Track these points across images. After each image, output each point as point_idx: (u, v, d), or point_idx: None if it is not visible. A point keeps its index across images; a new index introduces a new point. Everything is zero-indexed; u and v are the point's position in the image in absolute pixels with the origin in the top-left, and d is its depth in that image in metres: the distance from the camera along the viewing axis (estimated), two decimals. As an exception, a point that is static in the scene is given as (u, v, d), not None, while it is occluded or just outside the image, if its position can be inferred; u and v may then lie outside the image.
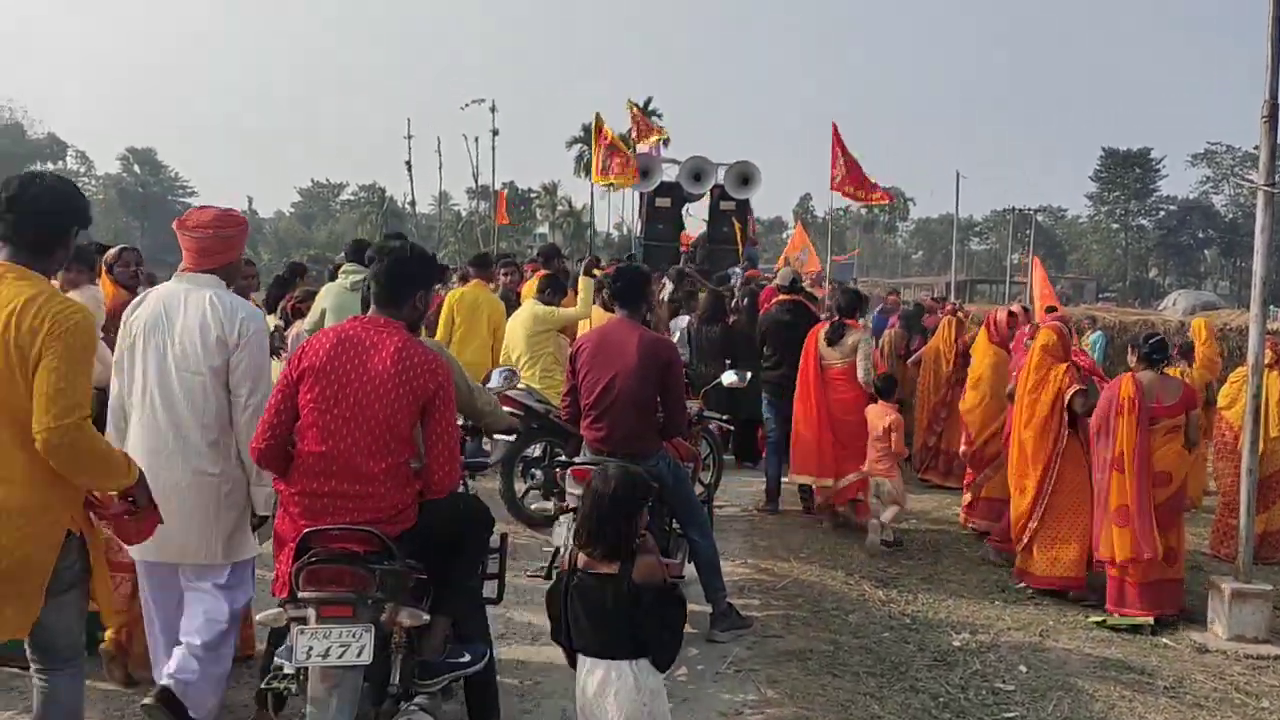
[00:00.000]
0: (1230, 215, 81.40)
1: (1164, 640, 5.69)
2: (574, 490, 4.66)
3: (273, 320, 7.37)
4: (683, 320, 10.45)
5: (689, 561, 5.26)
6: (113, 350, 3.84)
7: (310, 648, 3.05)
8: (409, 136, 46.50)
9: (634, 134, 18.13)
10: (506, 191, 41.62)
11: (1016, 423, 6.70)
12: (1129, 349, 6.42)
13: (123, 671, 4.19)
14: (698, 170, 16.90)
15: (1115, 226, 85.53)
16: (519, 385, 6.33)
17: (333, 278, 7.90)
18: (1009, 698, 4.71)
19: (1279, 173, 5.71)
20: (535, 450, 7.27)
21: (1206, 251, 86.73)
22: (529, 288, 8.88)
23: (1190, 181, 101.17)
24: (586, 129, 44.41)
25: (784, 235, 62.79)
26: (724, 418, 7.67)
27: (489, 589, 4.06)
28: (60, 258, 3.05)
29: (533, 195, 76.57)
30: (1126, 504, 5.86)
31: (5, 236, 2.92)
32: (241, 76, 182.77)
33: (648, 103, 56.80)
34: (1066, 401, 6.38)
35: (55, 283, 3.20)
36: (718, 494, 8.09)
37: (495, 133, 46.64)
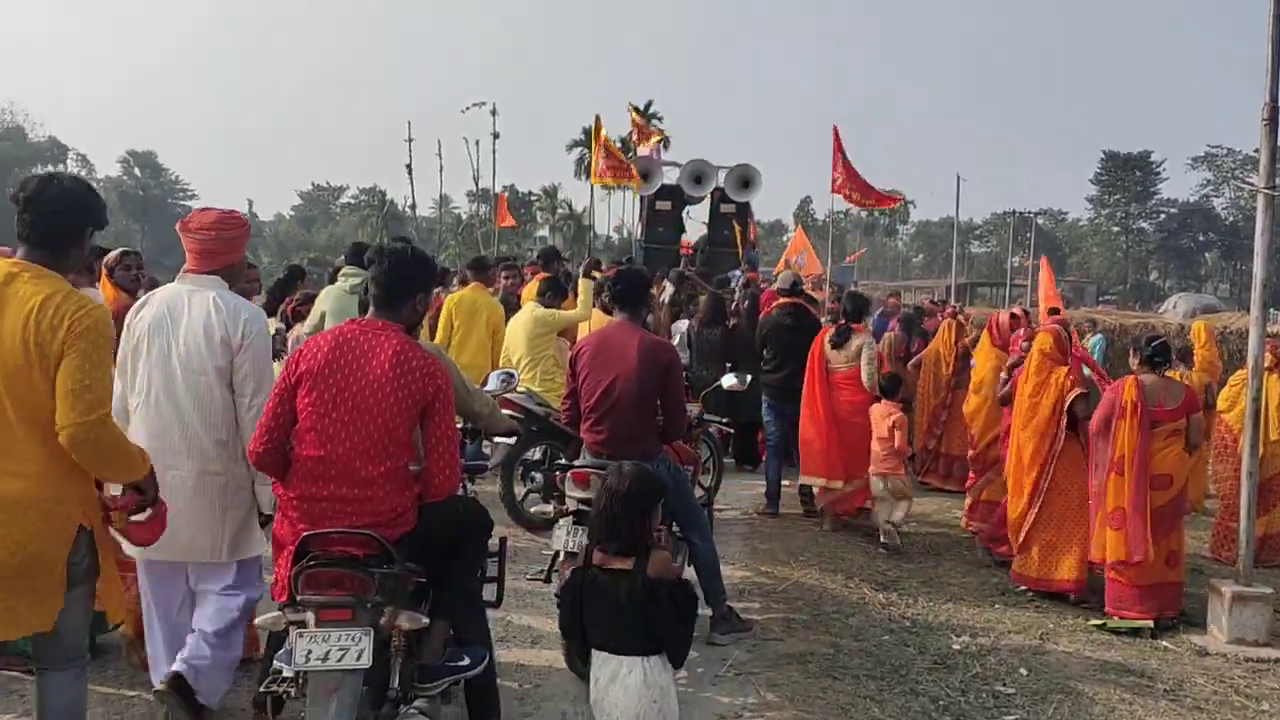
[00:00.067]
0: (1230, 218, 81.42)
1: (1164, 643, 5.69)
2: (574, 493, 4.66)
3: (273, 324, 7.36)
4: (683, 324, 10.45)
5: (689, 565, 5.25)
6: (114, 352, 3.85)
7: (309, 651, 3.05)
8: (409, 139, 46.50)
9: (634, 137, 18.15)
10: (507, 194, 41.57)
11: (1015, 425, 6.70)
12: (1131, 351, 6.42)
13: (142, 655, 4.23)
14: (698, 173, 16.91)
15: (1115, 229, 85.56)
16: (517, 388, 6.33)
17: (332, 281, 7.90)
18: (1009, 701, 4.71)
19: (1279, 176, 5.71)
20: (535, 453, 7.25)
21: (1207, 254, 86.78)
22: (529, 290, 8.88)
23: (1191, 184, 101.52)
24: (587, 132, 44.41)
25: (784, 238, 62.75)
26: (724, 421, 7.68)
27: (488, 592, 4.05)
28: (75, 257, 3.09)
29: (533, 198, 76.58)
30: (1123, 506, 5.86)
31: (22, 236, 2.98)
32: (242, 80, 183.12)
33: (648, 105, 56.87)
34: (1068, 405, 6.38)
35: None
36: (718, 497, 8.10)
37: (496, 136, 46.68)
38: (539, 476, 6.94)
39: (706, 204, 17.57)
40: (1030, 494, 6.46)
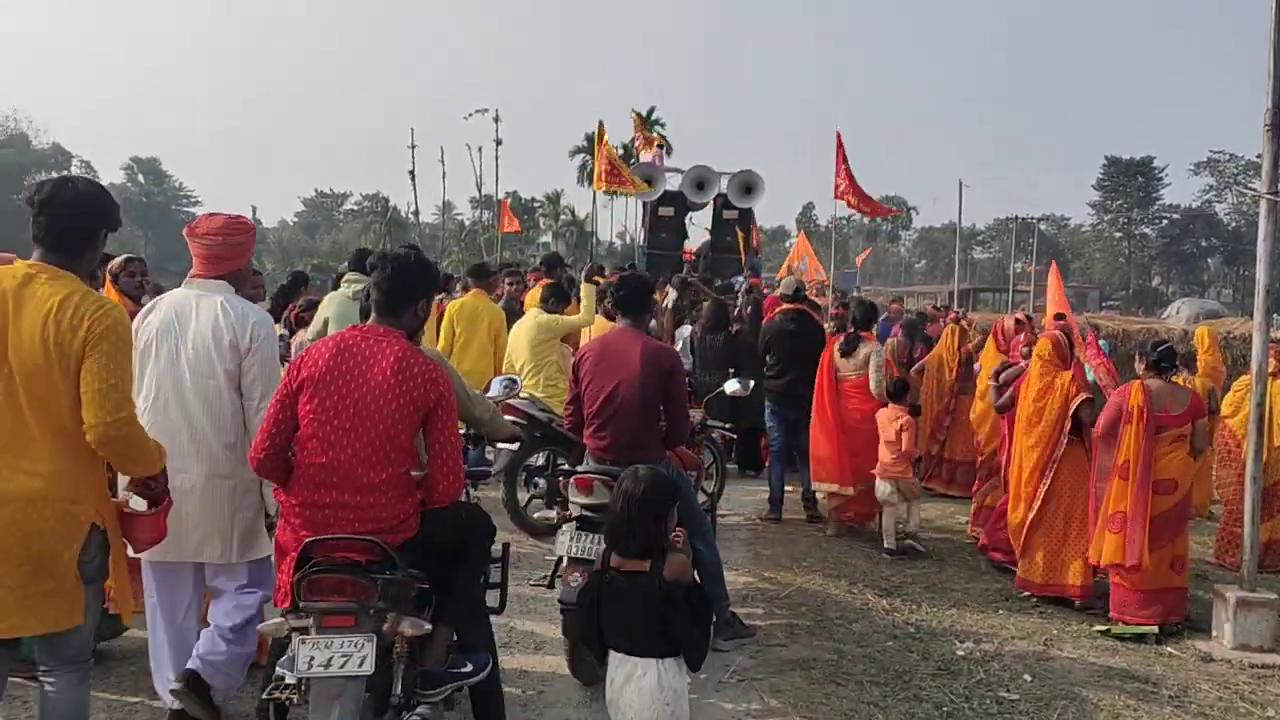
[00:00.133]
0: (1233, 224, 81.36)
1: (1169, 649, 5.67)
2: (577, 499, 4.66)
3: (277, 329, 7.37)
4: (686, 329, 10.46)
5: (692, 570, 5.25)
6: None
7: (312, 658, 3.05)
8: (412, 146, 46.54)
9: (637, 144, 18.18)
10: (510, 201, 41.67)
11: (1018, 431, 6.69)
12: (1137, 356, 6.41)
13: None
14: (701, 179, 16.90)
15: (1118, 235, 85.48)
16: (520, 394, 6.33)
17: (335, 287, 7.90)
18: (1013, 707, 4.70)
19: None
20: (538, 459, 7.26)
21: (1209, 260, 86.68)
22: (532, 296, 8.89)
23: (1193, 190, 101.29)
24: (590, 138, 44.44)
25: (787, 244, 62.85)
26: (727, 426, 7.68)
27: (491, 598, 4.05)
28: (90, 259, 3.17)
29: (536, 204, 76.67)
30: (1124, 511, 5.85)
31: (38, 238, 3.04)
32: (242, 80, 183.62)
33: (651, 111, 56.88)
34: (1073, 410, 6.37)
35: None
36: (721, 503, 8.10)
37: (499, 142, 46.75)
38: (542, 482, 6.95)
39: (709, 210, 17.57)
40: (1032, 499, 6.44)
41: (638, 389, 4.75)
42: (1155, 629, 5.81)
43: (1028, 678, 5.07)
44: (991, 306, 50.57)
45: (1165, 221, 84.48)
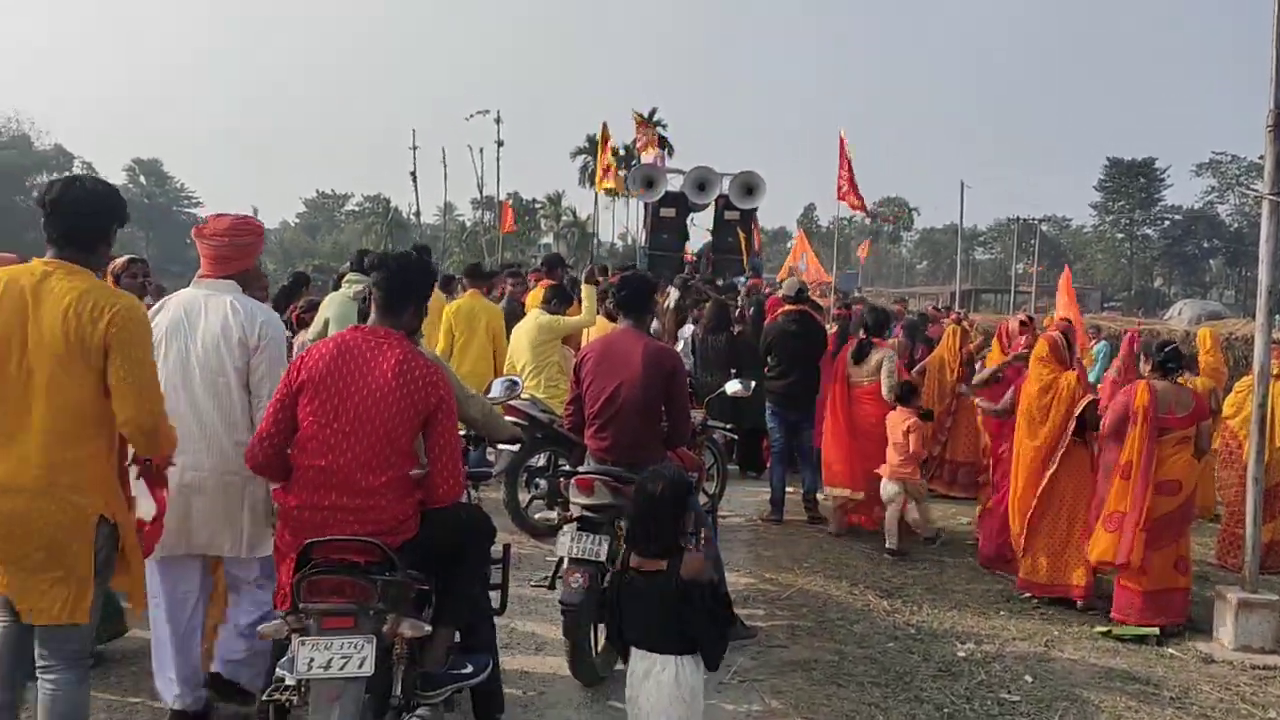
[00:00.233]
0: (1235, 225, 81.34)
1: (1170, 650, 5.66)
2: (577, 500, 4.66)
3: (279, 330, 7.38)
4: (688, 330, 10.45)
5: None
6: None
7: (312, 659, 3.05)
8: (414, 147, 46.44)
9: (639, 144, 18.19)
10: (511, 202, 41.66)
11: (1020, 432, 6.67)
12: (1143, 357, 6.39)
13: None
14: (702, 180, 16.94)
15: (1120, 236, 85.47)
16: (521, 395, 6.32)
17: (336, 287, 7.91)
18: (1014, 708, 4.69)
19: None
20: (539, 460, 7.26)
21: (1211, 261, 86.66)
22: (534, 297, 8.89)
23: (1195, 191, 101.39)
24: (591, 140, 44.46)
25: (788, 245, 62.81)
26: (728, 427, 7.67)
27: (492, 599, 4.04)
28: (103, 254, 3.29)
29: (537, 205, 76.65)
30: (1123, 510, 5.85)
31: (50, 237, 3.14)
32: (242, 80, 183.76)
33: (653, 113, 56.90)
34: (1078, 411, 6.35)
35: None
36: (722, 504, 8.09)
37: (500, 143, 46.69)
38: (543, 483, 6.94)
39: (711, 211, 17.60)
40: (1035, 500, 6.43)
41: (639, 390, 4.74)
42: (1156, 630, 5.79)
43: (1029, 679, 5.06)
44: (993, 307, 50.60)
45: (1167, 223, 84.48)
